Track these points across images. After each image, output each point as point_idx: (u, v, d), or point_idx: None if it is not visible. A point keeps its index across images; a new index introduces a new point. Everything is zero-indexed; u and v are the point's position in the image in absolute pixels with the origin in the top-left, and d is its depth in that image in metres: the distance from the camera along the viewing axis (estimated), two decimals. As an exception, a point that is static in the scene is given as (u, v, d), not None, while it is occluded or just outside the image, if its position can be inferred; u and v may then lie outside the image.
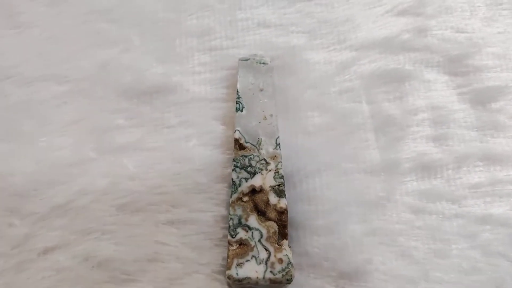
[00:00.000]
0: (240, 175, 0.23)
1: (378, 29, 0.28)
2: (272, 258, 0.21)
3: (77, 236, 0.23)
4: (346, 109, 0.26)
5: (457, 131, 0.26)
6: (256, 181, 0.23)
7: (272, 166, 0.23)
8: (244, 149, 0.23)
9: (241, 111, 0.24)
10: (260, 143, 0.24)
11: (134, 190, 0.24)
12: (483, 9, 0.28)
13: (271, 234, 0.22)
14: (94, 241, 0.23)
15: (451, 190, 0.24)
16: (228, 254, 0.22)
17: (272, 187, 0.23)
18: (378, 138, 0.25)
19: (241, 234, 0.22)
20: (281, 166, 0.23)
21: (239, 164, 0.23)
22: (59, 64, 0.26)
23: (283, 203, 0.22)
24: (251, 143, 0.24)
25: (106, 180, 0.24)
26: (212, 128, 0.25)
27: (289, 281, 0.21)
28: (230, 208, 0.22)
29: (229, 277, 0.21)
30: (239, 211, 0.22)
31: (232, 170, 0.23)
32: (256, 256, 0.21)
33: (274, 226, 0.22)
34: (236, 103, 0.24)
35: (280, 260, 0.21)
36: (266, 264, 0.21)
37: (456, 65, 0.27)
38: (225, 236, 0.23)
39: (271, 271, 0.21)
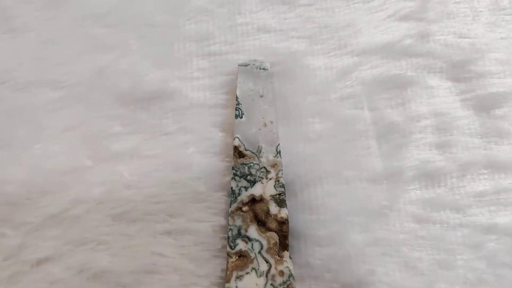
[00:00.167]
0: (240, 184, 0.22)
1: (380, 34, 0.27)
2: (272, 271, 0.21)
3: (71, 247, 0.22)
4: (347, 115, 0.25)
5: (461, 138, 0.25)
6: (256, 190, 0.22)
7: (272, 174, 0.23)
8: (243, 157, 0.23)
9: (241, 117, 0.24)
10: (260, 150, 0.23)
11: (130, 199, 0.23)
12: (486, 14, 0.28)
13: (271, 246, 0.21)
14: (89, 252, 0.22)
15: (455, 199, 0.24)
16: (227, 266, 0.21)
17: (273, 196, 0.22)
18: (381, 145, 0.25)
19: (241, 245, 0.21)
20: (282, 174, 0.23)
21: (238, 173, 0.23)
22: (55, 69, 0.26)
23: (284, 213, 0.22)
24: (251, 151, 0.23)
25: (102, 189, 0.23)
26: (211, 135, 0.25)
27: (290, 294, 0.21)
28: (230, 218, 0.22)
29: (228, 290, 0.21)
30: (238, 222, 0.22)
31: (232, 179, 0.22)
32: (256, 269, 0.21)
33: (274, 237, 0.21)
34: (236, 110, 0.24)
35: (281, 273, 0.21)
36: (266, 276, 0.21)
37: (459, 71, 0.26)
38: (224, 247, 0.22)
39: (271, 284, 0.21)
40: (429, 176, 0.24)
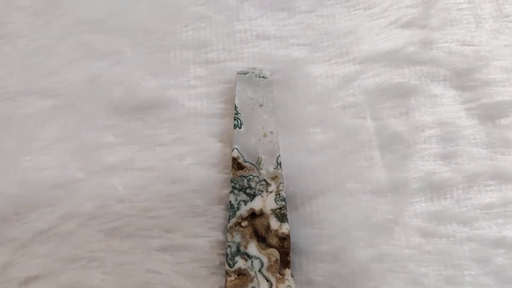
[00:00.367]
0: (239, 198, 0.22)
1: (382, 41, 0.27)
2: (274, 290, 0.20)
3: (61, 264, 0.22)
4: (349, 125, 0.25)
5: (466, 149, 0.25)
6: (256, 204, 0.21)
7: (273, 187, 0.22)
8: (242, 169, 0.22)
9: (240, 127, 0.23)
10: (260, 162, 0.22)
11: (124, 214, 0.23)
12: (490, 21, 0.28)
13: (272, 263, 0.20)
14: (81, 269, 0.22)
15: (461, 212, 0.23)
16: (225, 285, 0.20)
17: (273, 211, 0.21)
18: (384, 156, 0.24)
19: (240, 263, 0.20)
20: (283, 187, 0.22)
21: (237, 186, 0.22)
22: (45, 77, 0.25)
23: (285, 228, 0.21)
24: (250, 162, 0.22)
25: (94, 203, 0.23)
26: (208, 146, 0.24)
27: (292, 314, 0.20)
28: (228, 234, 0.21)
29: (227, 310, 0.20)
30: (237, 238, 0.21)
31: (230, 192, 0.22)
32: (257, 288, 0.20)
33: (275, 254, 0.21)
34: (234, 119, 0.23)
35: (283, 292, 0.20)
36: (267, 296, 0.20)
37: (463, 79, 0.26)
38: (222, 263, 0.22)
39: (273, 304, 0.20)
40: (435, 188, 0.24)
